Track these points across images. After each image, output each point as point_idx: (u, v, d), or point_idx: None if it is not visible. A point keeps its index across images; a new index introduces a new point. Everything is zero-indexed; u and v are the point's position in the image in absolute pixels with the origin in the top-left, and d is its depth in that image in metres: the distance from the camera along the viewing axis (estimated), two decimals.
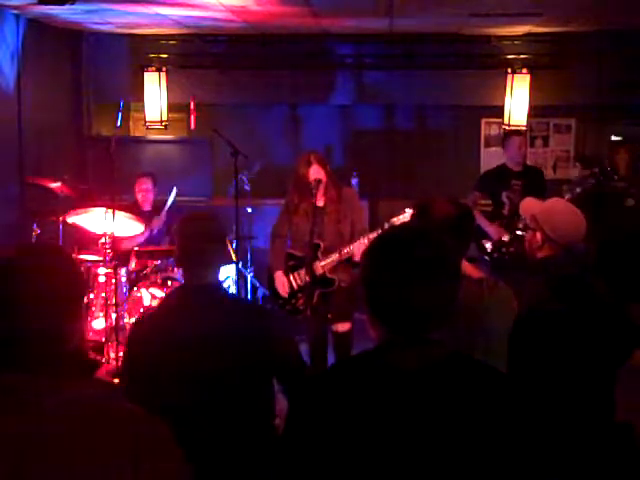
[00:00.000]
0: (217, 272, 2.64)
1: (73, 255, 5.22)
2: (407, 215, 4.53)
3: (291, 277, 4.79)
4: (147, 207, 6.43)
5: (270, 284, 4.94)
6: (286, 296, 4.75)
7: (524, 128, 7.26)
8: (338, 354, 4.83)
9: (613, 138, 7.62)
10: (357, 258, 4.61)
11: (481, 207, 6.53)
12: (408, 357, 1.55)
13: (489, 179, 6.50)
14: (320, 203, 4.67)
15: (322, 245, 4.65)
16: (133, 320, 5.20)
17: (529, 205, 3.17)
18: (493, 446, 1.49)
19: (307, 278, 4.59)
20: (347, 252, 4.61)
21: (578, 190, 5.69)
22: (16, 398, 1.44)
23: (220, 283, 2.71)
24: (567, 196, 5.48)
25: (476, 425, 1.50)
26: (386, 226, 4.54)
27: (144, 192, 6.38)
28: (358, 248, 4.57)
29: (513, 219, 5.88)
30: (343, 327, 4.81)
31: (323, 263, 4.64)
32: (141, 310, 5.56)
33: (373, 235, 4.54)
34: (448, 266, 1.59)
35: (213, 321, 2.48)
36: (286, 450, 1.63)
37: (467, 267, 2.71)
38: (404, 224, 1.76)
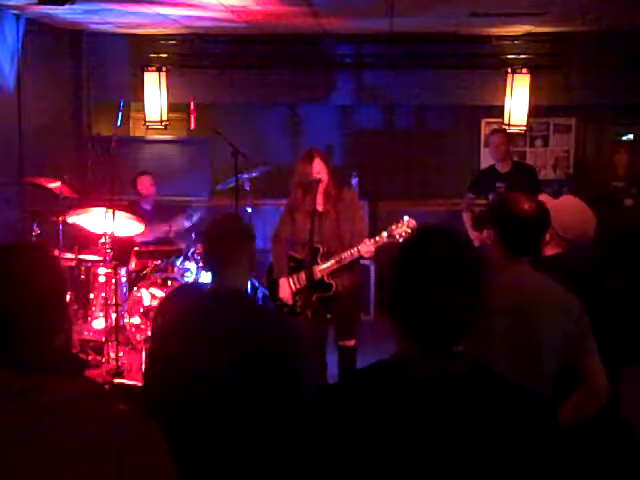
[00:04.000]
0: (245, 276, 2.60)
1: (55, 253, 5.21)
2: (405, 222, 4.51)
3: (290, 280, 4.78)
4: (148, 206, 6.46)
5: (271, 287, 4.93)
6: (291, 302, 4.73)
7: (524, 128, 7.26)
8: (344, 366, 4.82)
9: (624, 138, 7.63)
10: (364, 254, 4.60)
11: (478, 207, 6.53)
12: (427, 370, 1.50)
13: (480, 181, 6.56)
14: (320, 207, 4.66)
15: (322, 249, 4.63)
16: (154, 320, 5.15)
17: None
18: (510, 464, 1.44)
19: (305, 282, 4.58)
20: (346, 257, 4.59)
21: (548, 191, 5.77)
22: (4, 397, 1.45)
23: (246, 289, 2.65)
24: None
25: (493, 442, 1.45)
26: (384, 234, 4.53)
27: (147, 188, 6.44)
28: (353, 254, 4.56)
29: None
30: (350, 343, 4.82)
31: (322, 267, 4.63)
32: (141, 310, 5.56)
33: (372, 242, 4.53)
34: (478, 272, 1.53)
35: (233, 326, 2.45)
36: (296, 462, 1.58)
37: None
38: (431, 227, 1.70)
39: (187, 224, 6.31)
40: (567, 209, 3.09)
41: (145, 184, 6.45)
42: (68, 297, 1.64)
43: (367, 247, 4.52)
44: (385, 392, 1.52)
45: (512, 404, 1.51)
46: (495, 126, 7.69)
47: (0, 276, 1.50)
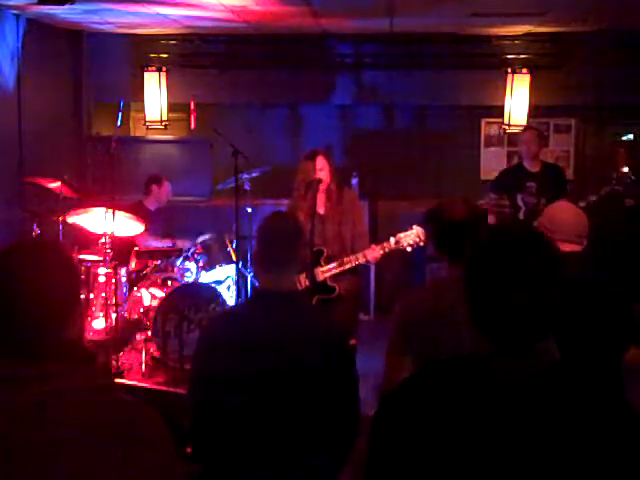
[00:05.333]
0: (295, 276, 2.60)
1: (70, 250, 5.23)
2: (414, 232, 4.48)
3: None
4: (153, 207, 6.48)
5: None
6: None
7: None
8: None
9: (624, 138, 7.64)
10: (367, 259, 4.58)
11: (498, 209, 6.33)
12: (504, 368, 1.49)
13: (505, 179, 6.31)
14: (320, 208, 4.65)
15: (325, 252, 4.62)
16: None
17: None
18: (588, 463, 1.42)
19: (307, 283, 4.57)
20: (351, 261, 4.57)
21: (593, 198, 5.66)
22: (10, 385, 1.46)
23: (297, 290, 2.67)
24: (581, 204, 5.43)
25: (572, 441, 1.43)
26: (392, 241, 4.50)
27: (168, 194, 6.57)
28: (359, 259, 4.54)
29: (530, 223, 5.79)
30: (350, 342, 4.81)
31: (325, 269, 4.62)
32: (141, 310, 5.57)
33: (379, 248, 4.50)
34: (559, 273, 1.50)
35: (285, 326, 2.44)
36: (374, 457, 1.57)
37: None
38: (513, 226, 1.70)
39: (192, 245, 6.31)
40: (556, 208, 3.15)
41: (167, 189, 6.57)
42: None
43: (373, 253, 4.50)
44: (463, 389, 1.51)
45: (590, 403, 1.49)
46: (495, 126, 7.70)
47: (15, 271, 1.53)
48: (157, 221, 6.34)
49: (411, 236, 4.44)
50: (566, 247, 3.01)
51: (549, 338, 1.51)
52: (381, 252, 4.49)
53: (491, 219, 6.18)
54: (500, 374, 1.49)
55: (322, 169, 4.60)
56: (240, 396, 2.41)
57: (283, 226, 2.61)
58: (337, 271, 4.57)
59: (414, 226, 4.50)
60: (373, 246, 4.52)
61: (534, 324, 1.48)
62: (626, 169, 5.71)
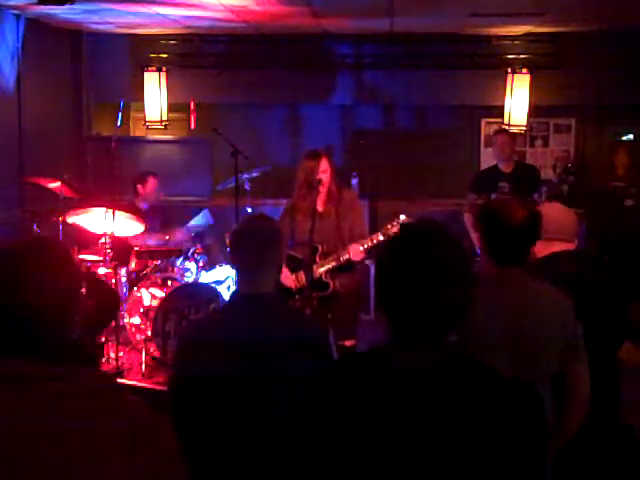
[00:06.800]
0: (272, 279, 2.56)
1: (71, 250, 5.22)
2: (400, 221, 4.49)
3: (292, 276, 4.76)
4: (145, 205, 6.47)
5: None
6: (293, 285, 4.69)
7: (524, 128, 7.27)
8: None
9: (624, 138, 7.65)
10: (356, 258, 4.58)
11: (477, 208, 6.49)
12: (408, 359, 1.54)
13: (481, 180, 6.49)
14: (320, 207, 4.66)
15: (320, 249, 4.63)
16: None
17: None
18: (489, 450, 1.47)
19: (305, 281, 4.57)
20: (345, 257, 4.57)
21: (536, 196, 5.86)
22: (16, 385, 1.46)
23: (274, 292, 2.59)
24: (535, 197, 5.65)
25: (472, 429, 1.47)
26: (380, 236, 4.51)
27: (152, 193, 6.48)
28: (355, 253, 4.55)
29: None
30: (348, 343, 4.82)
31: (322, 269, 4.62)
32: (141, 310, 5.56)
33: (366, 246, 4.52)
34: (465, 268, 1.57)
35: (263, 328, 2.44)
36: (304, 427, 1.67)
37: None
38: (422, 222, 1.75)
39: (186, 236, 6.27)
40: (549, 212, 3.17)
41: (152, 187, 6.45)
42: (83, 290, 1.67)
43: (364, 244, 4.52)
44: (368, 380, 1.57)
45: (491, 392, 1.54)
46: (495, 126, 7.70)
47: (19, 271, 1.53)
48: (152, 219, 6.32)
49: (397, 226, 4.45)
50: (558, 246, 3.03)
51: (454, 331, 1.55)
52: (369, 244, 4.51)
53: (468, 218, 6.36)
54: (403, 364, 1.54)
55: (325, 171, 4.62)
56: (219, 398, 2.41)
57: (259, 228, 2.59)
58: (332, 266, 4.59)
59: (401, 215, 4.51)
60: (361, 241, 4.54)
61: (437, 316, 1.53)
62: (570, 165, 5.89)
